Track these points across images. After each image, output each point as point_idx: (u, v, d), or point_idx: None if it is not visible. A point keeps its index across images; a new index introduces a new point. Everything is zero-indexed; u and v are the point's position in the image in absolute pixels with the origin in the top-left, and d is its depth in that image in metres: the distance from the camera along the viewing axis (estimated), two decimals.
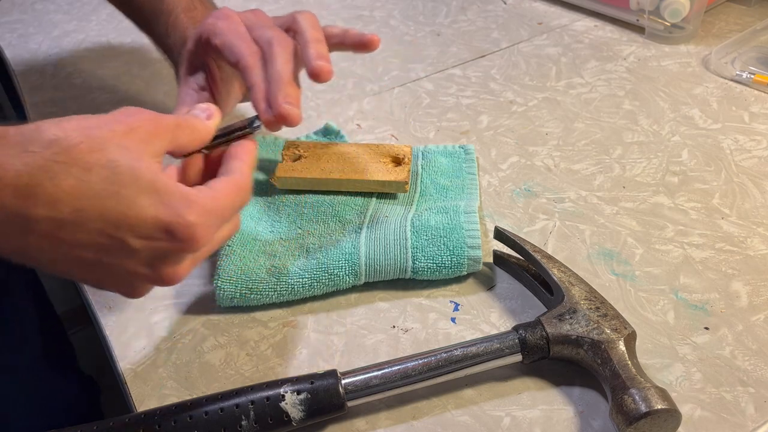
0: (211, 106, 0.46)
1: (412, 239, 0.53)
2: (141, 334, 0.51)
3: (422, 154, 0.64)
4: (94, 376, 0.89)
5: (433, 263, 0.52)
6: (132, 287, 0.41)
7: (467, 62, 0.81)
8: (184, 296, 0.54)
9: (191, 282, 0.54)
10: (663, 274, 0.52)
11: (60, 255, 0.37)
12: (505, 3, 0.93)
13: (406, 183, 0.58)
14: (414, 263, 0.52)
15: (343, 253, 0.52)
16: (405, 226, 0.54)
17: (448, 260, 0.52)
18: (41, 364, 0.77)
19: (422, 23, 0.90)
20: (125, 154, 0.38)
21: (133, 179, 0.37)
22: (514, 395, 0.45)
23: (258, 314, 0.52)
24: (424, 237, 0.53)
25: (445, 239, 0.52)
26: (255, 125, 0.47)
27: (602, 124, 0.69)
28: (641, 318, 0.49)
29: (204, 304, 0.53)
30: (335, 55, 0.88)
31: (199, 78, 0.54)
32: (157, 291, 0.54)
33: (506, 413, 0.44)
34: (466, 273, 0.52)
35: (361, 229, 0.54)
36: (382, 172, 0.58)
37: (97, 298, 0.54)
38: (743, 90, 0.72)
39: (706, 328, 0.48)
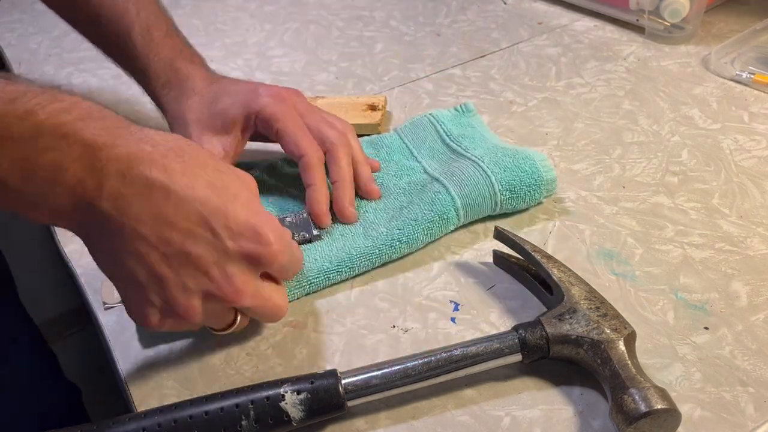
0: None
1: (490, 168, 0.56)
2: (141, 334, 0.51)
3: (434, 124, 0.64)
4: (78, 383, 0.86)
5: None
6: (186, 295, 0.41)
7: (467, 62, 0.81)
8: None
9: None
10: (663, 274, 0.52)
11: (150, 230, 0.39)
12: (505, 3, 0.93)
13: (379, 125, 0.68)
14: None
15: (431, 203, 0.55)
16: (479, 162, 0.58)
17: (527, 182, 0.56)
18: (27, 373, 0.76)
19: (422, 23, 0.90)
20: (232, 176, 0.44)
21: (233, 186, 0.42)
22: (514, 395, 0.45)
23: None
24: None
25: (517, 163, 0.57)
26: (315, 235, 0.54)
27: (602, 124, 0.69)
28: (641, 318, 0.49)
29: None
30: (335, 55, 0.87)
31: (227, 141, 0.57)
32: None
33: (506, 413, 0.44)
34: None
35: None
36: (359, 117, 0.68)
37: (96, 298, 0.54)
38: (743, 90, 0.72)
39: (706, 328, 0.48)
